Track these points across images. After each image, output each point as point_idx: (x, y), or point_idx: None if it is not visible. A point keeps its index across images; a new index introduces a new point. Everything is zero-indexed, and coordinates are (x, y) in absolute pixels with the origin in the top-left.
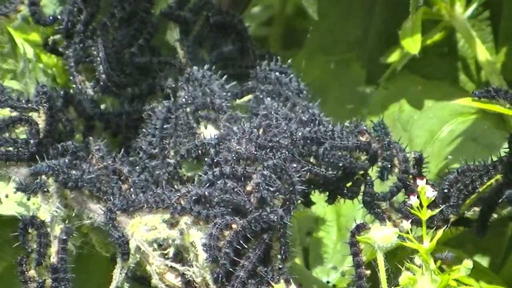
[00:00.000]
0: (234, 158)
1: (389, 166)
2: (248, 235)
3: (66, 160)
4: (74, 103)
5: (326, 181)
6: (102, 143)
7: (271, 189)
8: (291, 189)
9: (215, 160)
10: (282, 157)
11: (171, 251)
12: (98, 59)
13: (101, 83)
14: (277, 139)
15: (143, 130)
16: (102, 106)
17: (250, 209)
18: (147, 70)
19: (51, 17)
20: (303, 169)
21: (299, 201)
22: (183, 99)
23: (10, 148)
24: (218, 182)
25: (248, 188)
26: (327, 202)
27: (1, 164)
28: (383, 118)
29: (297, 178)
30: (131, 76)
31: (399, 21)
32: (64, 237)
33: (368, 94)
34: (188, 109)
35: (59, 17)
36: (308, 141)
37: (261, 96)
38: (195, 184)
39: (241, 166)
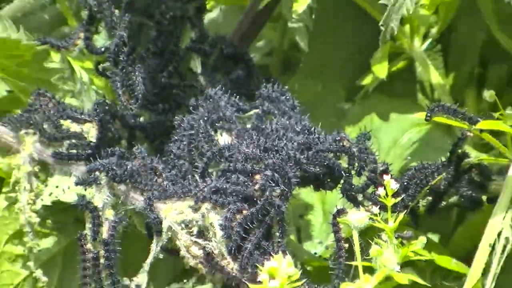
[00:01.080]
0: (244, 158)
1: (364, 165)
2: (254, 218)
3: (114, 160)
4: (119, 117)
5: (314, 177)
6: (143, 147)
7: (272, 183)
8: (287, 182)
9: (227, 161)
10: (281, 157)
11: (195, 230)
12: (137, 82)
13: (139, 101)
14: (278, 144)
15: (173, 137)
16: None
17: (255, 198)
18: (175, 91)
19: (101, 49)
20: (297, 167)
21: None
22: (203, 114)
23: (73, 151)
24: (231, 177)
25: (254, 182)
26: (315, 189)
27: (65, 163)
28: (368, 131)
29: (292, 174)
30: (162, 95)
31: (370, 52)
32: (117, 220)
33: (347, 109)
34: (207, 121)
35: (108, 48)
36: (301, 146)
37: (264, 111)
38: (213, 179)
39: (249, 164)
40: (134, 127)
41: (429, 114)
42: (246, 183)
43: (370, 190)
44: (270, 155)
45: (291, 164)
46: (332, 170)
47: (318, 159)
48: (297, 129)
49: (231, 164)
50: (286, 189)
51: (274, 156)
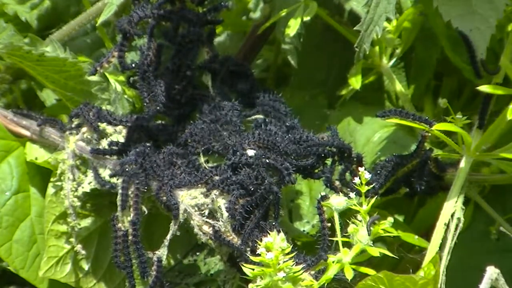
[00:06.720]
0: (245, 153)
1: (342, 156)
2: (254, 202)
3: (140, 156)
4: (143, 125)
5: (304, 168)
6: (169, 147)
7: (271, 174)
8: (281, 174)
9: (232, 156)
10: (278, 153)
11: (206, 212)
12: (159, 93)
13: (160, 107)
14: (275, 142)
15: (188, 137)
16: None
17: (255, 186)
18: (189, 100)
19: (132, 65)
20: (290, 160)
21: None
22: (214, 119)
23: (107, 147)
24: (236, 169)
25: (255, 173)
26: (303, 178)
27: (101, 158)
28: (336, 128)
29: (287, 172)
30: (179, 103)
31: (348, 68)
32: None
33: (329, 114)
34: (217, 124)
35: (136, 64)
36: (294, 142)
37: (263, 115)
38: (220, 170)
39: (251, 159)
40: (156, 131)
41: (379, 115)
42: (248, 174)
43: (348, 178)
44: (269, 152)
45: (286, 158)
46: (323, 159)
47: (308, 151)
48: (288, 128)
49: (236, 159)
50: (281, 179)
51: (272, 152)
